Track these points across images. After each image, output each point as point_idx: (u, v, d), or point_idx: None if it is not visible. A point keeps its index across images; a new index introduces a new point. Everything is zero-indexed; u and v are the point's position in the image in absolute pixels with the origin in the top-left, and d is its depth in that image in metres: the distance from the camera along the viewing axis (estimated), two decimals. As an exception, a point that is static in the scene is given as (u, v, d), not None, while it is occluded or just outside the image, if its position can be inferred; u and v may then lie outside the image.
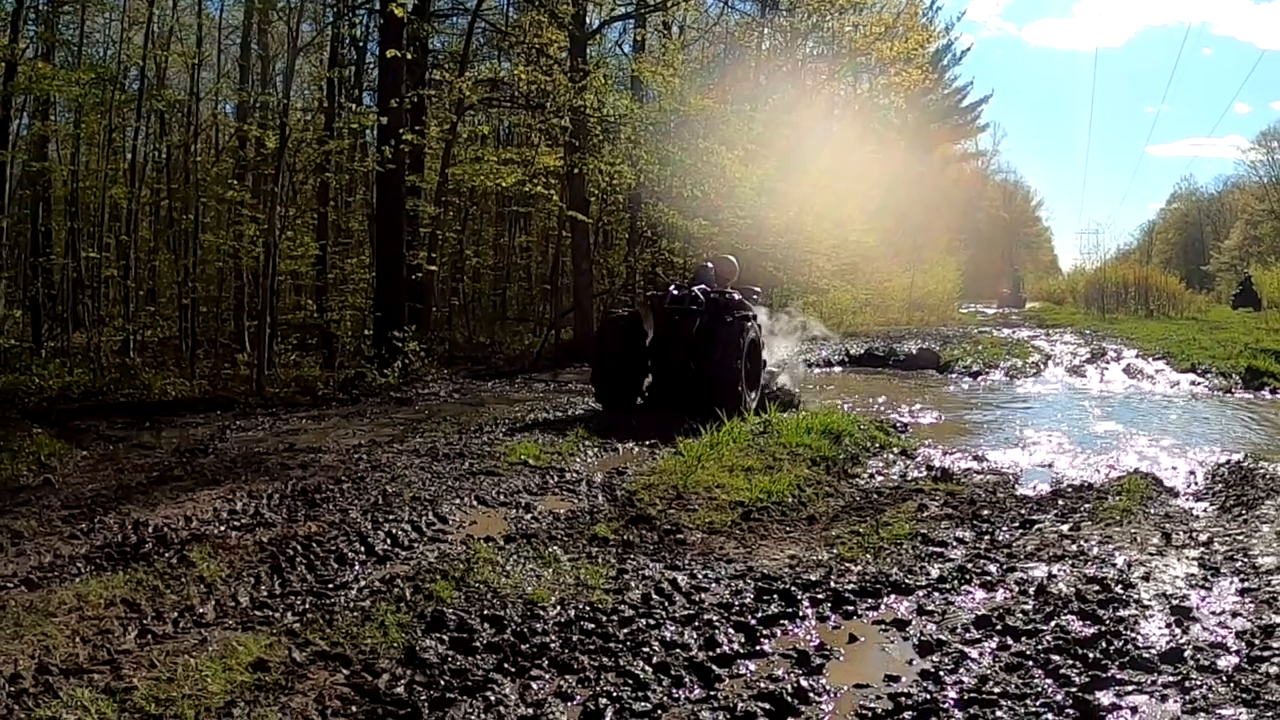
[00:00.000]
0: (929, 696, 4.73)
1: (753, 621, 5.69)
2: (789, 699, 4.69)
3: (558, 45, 24.68)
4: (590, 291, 25.05)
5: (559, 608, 5.84)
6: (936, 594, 6.24)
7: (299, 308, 21.93)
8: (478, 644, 5.29)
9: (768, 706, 4.62)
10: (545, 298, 27.26)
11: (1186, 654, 5.14)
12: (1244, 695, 4.64)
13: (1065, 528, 7.77)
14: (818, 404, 14.54)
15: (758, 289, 16.37)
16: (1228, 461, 10.23)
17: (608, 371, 14.28)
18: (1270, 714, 4.44)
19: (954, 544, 7.35)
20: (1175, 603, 5.93)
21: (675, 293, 14.53)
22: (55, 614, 5.39)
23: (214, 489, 8.79)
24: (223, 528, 7.50)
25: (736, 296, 14.60)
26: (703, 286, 14.65)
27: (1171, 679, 4.87)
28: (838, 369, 21.32)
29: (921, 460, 10.68)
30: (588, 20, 24.51)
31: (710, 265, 15.94)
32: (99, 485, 8.89)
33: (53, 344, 17.72)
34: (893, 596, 6.20)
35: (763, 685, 4.87)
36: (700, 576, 6.51)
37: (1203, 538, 7.37)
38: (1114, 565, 6.70)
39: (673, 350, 14.14)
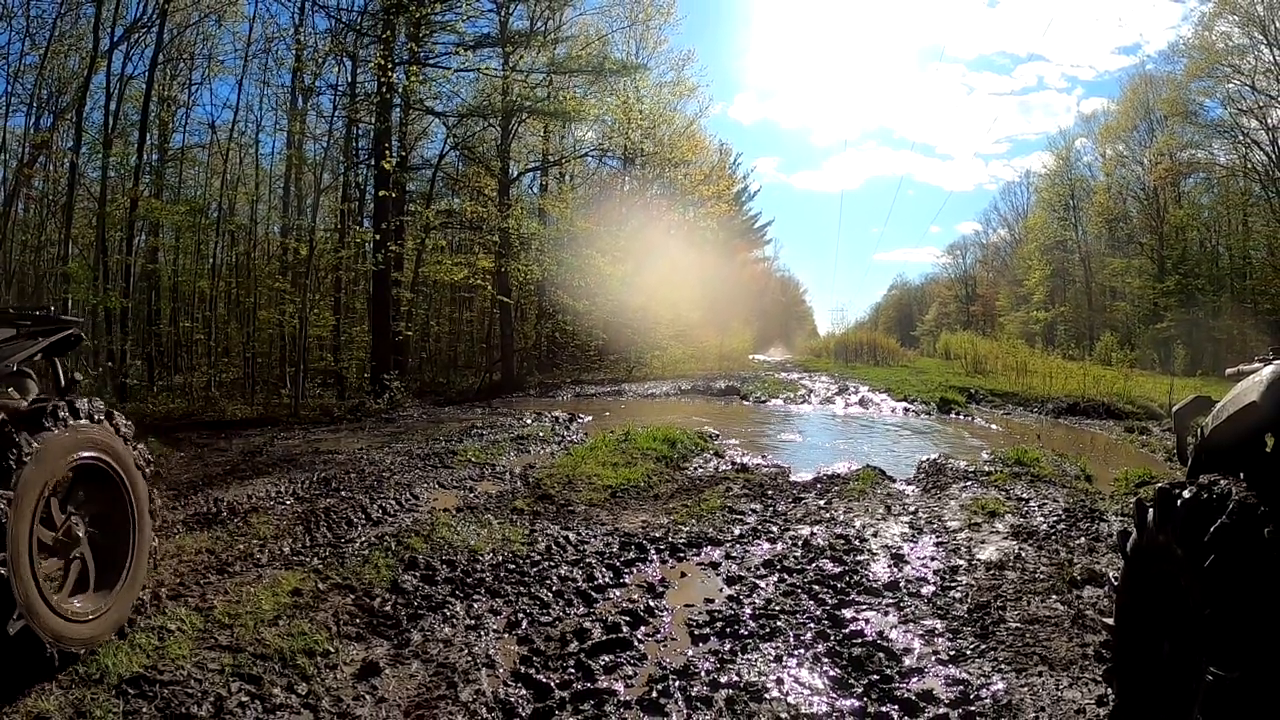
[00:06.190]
0: (733, 612, 4.82)
1: (618, 564, 5.74)
2: (642, 614, 4.76)
3: (490, 188, 25.09)
4: (512, 348, 25.51)
5: (491, 554, 5.81)
6: (738, 546, 6.32)
7: (321, 359, 21.80)
8: (438, 578, 5.27)
9: (627, 619, 4.67)
10: (483, 352, 27.07)
11: (901, 585, 5.35)
12: (938, 611, 4.87)
13: (822, 503, 7.90)
14: (663, 421, 14.38)
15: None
16: (928, 459, 10.45)
17: None
18: (956, 623, 4.66)
19: (749, 513, 7.43)
20: (893, 551, 6.14)
21: None
22: (163, 559, 5.31)
23: (266, 477, 8.66)
24: (272, 502, 7.42)
25: None
26: None
27: (891, 601, 5.06)
28: (673, 398, 21.39)
29: (728, 458, 10.70)
30: (510, 171, 25.24)
31: None
32: (191, 475, 8.76)
33: (161, 383, 17.93)
34: (709, 547, 6.26)
35: (625, 605, 4.92)
36: (584, 534, 6.51)
37: (911, 509, 7.60)
38: (854, 527, 6.86)
39: None
